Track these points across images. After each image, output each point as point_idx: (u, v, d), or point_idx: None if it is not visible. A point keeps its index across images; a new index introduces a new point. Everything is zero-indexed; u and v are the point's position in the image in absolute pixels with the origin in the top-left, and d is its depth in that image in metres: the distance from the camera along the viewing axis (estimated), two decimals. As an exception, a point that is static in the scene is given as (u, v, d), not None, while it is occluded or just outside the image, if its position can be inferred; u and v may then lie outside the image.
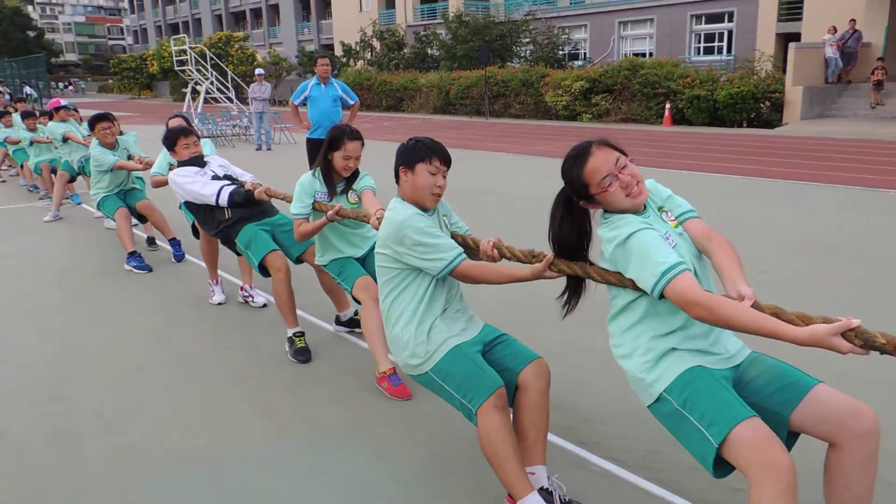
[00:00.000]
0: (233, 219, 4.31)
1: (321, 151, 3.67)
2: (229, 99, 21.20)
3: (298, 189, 3.68)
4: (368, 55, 34.18)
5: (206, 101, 21.15)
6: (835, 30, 18.26)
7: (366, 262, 3.83)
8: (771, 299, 1.91)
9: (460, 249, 2.53)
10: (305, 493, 2.75)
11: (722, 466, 1.94)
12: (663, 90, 18.99)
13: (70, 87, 62.40)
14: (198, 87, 21.32)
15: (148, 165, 6.02)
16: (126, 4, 79.25)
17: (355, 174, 3.77)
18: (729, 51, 26.41)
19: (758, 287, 2.04)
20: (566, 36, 28.20)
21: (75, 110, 9.50)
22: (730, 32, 26.68)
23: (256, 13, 54.20)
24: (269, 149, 16.22)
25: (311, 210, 3.69)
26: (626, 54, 28.06)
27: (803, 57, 17.61)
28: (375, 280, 2.94)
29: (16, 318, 4.98)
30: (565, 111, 21.19)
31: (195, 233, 5.37)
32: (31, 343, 4.48)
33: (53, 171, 9.11)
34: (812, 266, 5.64)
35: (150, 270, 6.00)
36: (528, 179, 10.50)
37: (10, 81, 42.93)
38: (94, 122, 6.18)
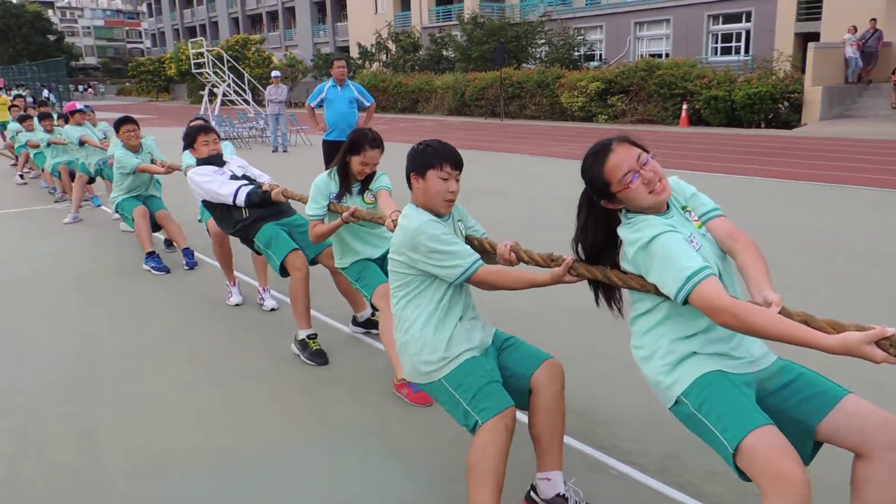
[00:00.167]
0: (251, 218, 4.34)
1: (340, 151, 3.66)
2: (246, 101, 21.33)
3: (313, 190, 3.67)
4: (384, 57, 34.27)
5: (222, 103, 21.28)
6: (855, 29, 18.06)
7: (384, 262, 3.81)
8: (792, 305, 1.87)
9: (477, 256, 2.45)
10: (321, 493, 2.76)
11: None
12: (680, 91, 18.88)
13: (89, 90, 63.09)
14: (215, 90, 21.46)
15: (170, 169, 6.07)
16: (144, 8, 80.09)
17: (371, 174, 3.76)
18: (746, 51, 26.19)
19: (777, 291, 2.00)
20: (582, 37, 28.09)
21: (91, 111, 9.60)
22: (747, 32, 26.46)
23: (273, 16, 54.52)
24: (285, 150, 16.31)
25: (326, 211, 3.68)
26: (642, 55, 27.90)
27: (823, 57, 17.43)
28: None
29: (36, 318, 5.03)
30: (581, 112, 21.12)
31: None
32: (51, 343, 4.53)
33: (72, 173, 9.21)
34: (835, 270, 5.55)
35: (168, 272, 6.04)
36: (544, 180, 10.47)
37: (31, 84, 43.51)
38: (118, 125, 6.23)
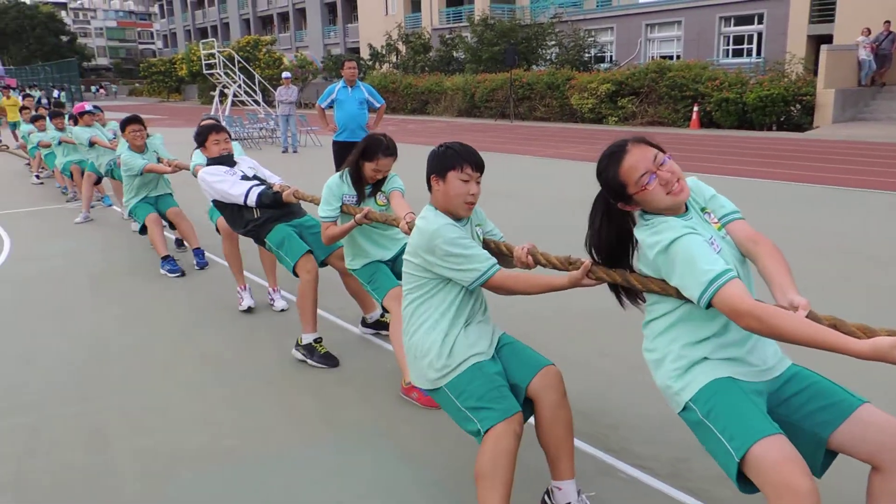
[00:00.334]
0: (262, 218, 4.33)
1: (353, 154, 3.65)
2: (256, 102, 21.40)
3: (326, 192, 3.67)
4: (394, 58, 34.32)
5: (233, 104, 21.36)
6: (869, 31, 17.92)
7: (395, 264, 3.81)
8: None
9: (494, 260, 2.41)
10: (328, 494, 2.75)
11: (749, 482, 1.85)
12: (691, 93, 18.80)
13: (101, 91, 63.53)
14: (225, 91, 21.54)
15: (177, 168, 6.07)
16: (156, 9, 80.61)
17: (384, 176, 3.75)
18: (758, 53, 26.06)
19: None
20: (592, 38, 28.04)
21: (100, 112, 9.65)
22: (759, 34, 26.32)
23: (283, 17, 54.74)
24: (295, 151, 16.35)
25: (339, 213, 3.67)
26: (653, 57, 27.84)
27: (836, 59, 17.30)
28: None
29: (47, 318, 5.06)
30: (591, 114, 21.07)
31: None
32: (61, 343, 4.54)
33: (83, 172, 9.25)
34: (849, 273, 5.50)
35: (184, 274, 6.05)
36: (554, 182, 10.43)
37: (44, 85, 43.85)
38: (124, 125, 6.25)
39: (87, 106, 9.54)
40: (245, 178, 4.43)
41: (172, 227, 6.49)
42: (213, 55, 21.58)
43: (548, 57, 28.28)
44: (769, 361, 2.03)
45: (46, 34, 63.02)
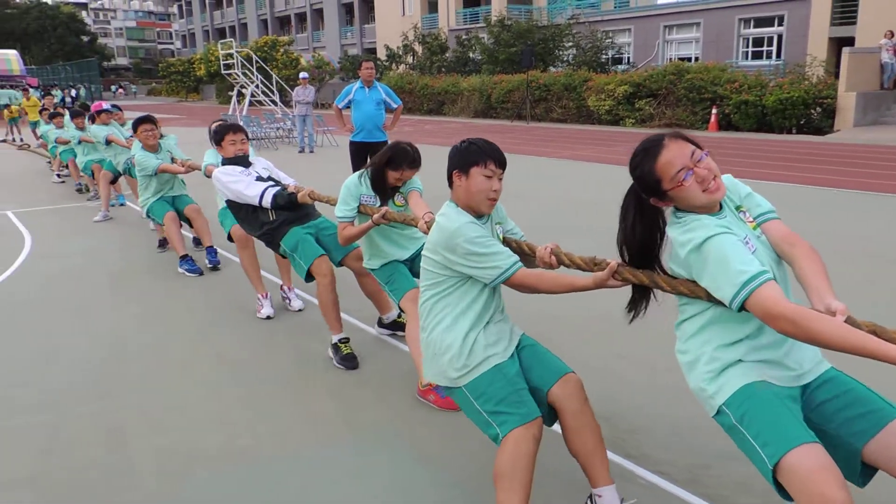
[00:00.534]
0: (277, 221, 4.33)
1: (378, 158, 3.64)
2: (273, 102, 21.50)
3: (344, 192, 3.66)
4: (410, 59, 34.36)
5: (250, 104, 21.48)
6: (892, 34, 17.70)
7: (413, 263, 3.80)
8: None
9: (516, 258, 2.39)
10: (345, 495, 2.75)
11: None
12: (709, 95, 18.65)
13: (121, 91, 64.15)
14: (243, 91, 21.67)
15: (191, 168, 6.10)
16: (175, 10, 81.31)
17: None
18: (778, 55, 25.81)
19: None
20: (610, 40, 27.92)
21: (119, 110, 9.73)
22: (779, 37, 26.07)
23: (301, 18, 55.01)
24: (311, 151, 16.41)
25: (356, 213, 3.67)
26: (671, 58, 27.67)
27: (857, 62, 17.10)
28: None
29: (67, 316, 5.10)
30: (608, 116, 20.97)
31: (231, 239, 5.32)
32: (81, 341, 4.58)
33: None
34: (871, 277, 5.42)
35: (202, 273, 6.07)
36: (570, 184, 10.39)
37: (64, 85, 44.36)
38: (136, 125, 6.29)
39: (105, 104, 9.63)
40: (260, 178, 4.44)
41: (190, 224, 6.52)
42: (230, 55, 21.71)
43: (565, 58, 28.20)
44: (805, 365, 1.97)
45: (67, 34, 63.72)
